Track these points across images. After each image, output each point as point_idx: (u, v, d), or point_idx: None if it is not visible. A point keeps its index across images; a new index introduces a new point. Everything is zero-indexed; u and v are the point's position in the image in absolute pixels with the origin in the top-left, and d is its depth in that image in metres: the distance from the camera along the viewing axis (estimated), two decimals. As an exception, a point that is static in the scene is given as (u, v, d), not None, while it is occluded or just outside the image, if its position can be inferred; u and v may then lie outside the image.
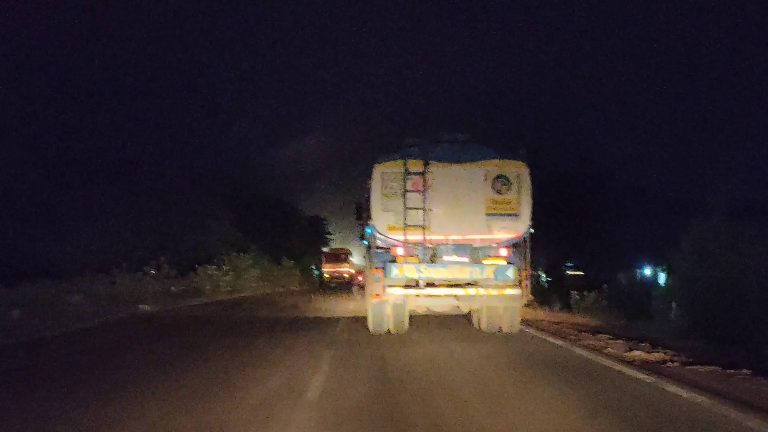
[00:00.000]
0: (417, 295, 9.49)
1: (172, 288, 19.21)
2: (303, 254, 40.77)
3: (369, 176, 9.67)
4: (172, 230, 26.10)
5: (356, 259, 36.57)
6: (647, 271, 36.42)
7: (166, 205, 26.46)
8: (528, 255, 9.84)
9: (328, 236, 49.38)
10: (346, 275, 37.62)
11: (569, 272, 39.23)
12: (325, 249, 42.78)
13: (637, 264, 37.35)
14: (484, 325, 10.49)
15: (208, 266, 22.59)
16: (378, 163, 9.60)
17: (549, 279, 36.44)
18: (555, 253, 40.27)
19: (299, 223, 44.53)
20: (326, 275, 38.03)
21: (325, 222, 49.12)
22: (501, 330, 10.23)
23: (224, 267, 23.62)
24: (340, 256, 39.28)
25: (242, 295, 23.73)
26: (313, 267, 42.22)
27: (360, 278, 23.31)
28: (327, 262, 39.15)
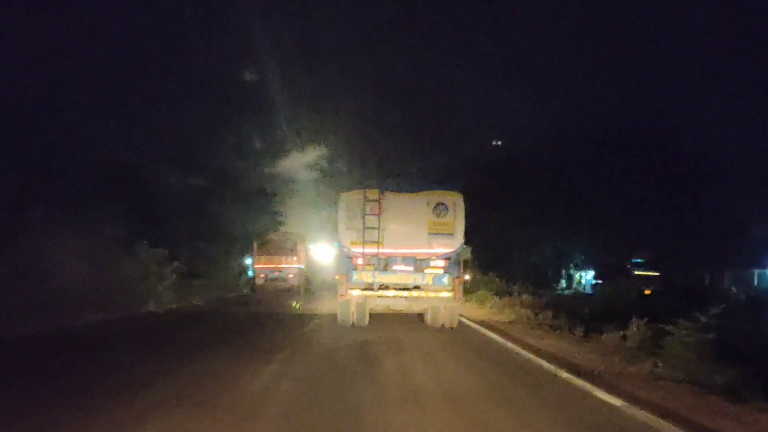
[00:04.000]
0: (373, 296, 12.17)
1: None
2: (227, 242, 26.60)
3: (336, 203, 12.40)
4: None
5: (319, 253, 25.72)
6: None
7: None
8: (461, 266, 12.49)
9: (279, 218, 31.00)
10: (290, 276, 24.84)
11: (638, 272, 28.43)
12: (266, 236, 26.61)
13: (751, 261, 27.26)
14: (429, 322, 13.15)
15: None
16: (344, 192, 12.37)
17: (598, 282, 27.79)
18: (613, 244, 29.59)
19: (221, 194, 26.13)
20: (260, 276, 25.01)
21: (269, 196, 30.50)
22: (444, 325, 12.86)
23: None
24: (282, 247, 25.19)
25: None
26: (247, 263, 27.76)
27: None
28: (260, 254, 25.08)
